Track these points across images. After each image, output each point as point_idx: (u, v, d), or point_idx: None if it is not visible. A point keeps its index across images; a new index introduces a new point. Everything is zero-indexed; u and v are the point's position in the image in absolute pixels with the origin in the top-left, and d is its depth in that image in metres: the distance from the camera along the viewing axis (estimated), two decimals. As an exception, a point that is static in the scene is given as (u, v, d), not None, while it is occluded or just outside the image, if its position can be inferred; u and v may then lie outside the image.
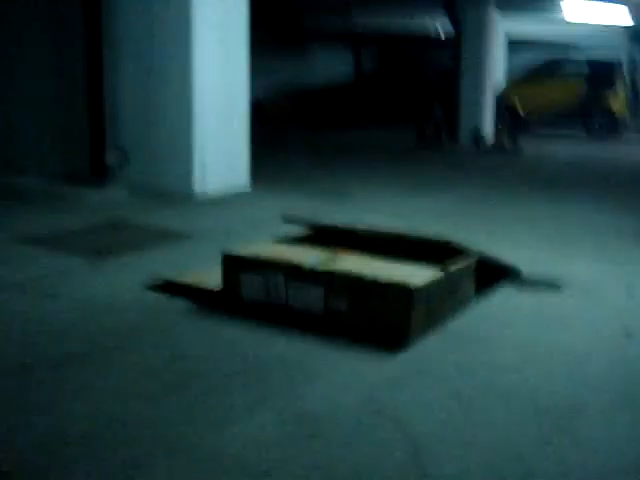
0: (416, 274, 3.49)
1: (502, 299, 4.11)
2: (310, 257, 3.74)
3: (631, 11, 15.40)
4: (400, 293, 3.34)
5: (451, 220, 6.16)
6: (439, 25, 16.46)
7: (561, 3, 15.26)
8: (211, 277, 4.01)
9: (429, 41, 17.98)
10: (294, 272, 3.60)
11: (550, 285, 4.37)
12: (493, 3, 13.28)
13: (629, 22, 16.05)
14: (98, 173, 7.48)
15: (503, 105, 15.11)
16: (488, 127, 13.37)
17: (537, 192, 8.11)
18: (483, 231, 5.71)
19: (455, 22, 13.70)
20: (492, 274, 4.27)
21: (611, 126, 14.99)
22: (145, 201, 6.80)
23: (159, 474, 2.27)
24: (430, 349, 3.35)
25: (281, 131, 14.99)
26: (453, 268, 3.67)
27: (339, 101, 17.12)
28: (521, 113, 15.40)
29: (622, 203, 7.38)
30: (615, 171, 10.20)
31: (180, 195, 6.99)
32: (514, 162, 11.04)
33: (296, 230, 4.36)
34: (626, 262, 4.99)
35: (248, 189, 7.47)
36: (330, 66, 19.76)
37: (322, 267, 3.58)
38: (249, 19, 7.53)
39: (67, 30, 7.75)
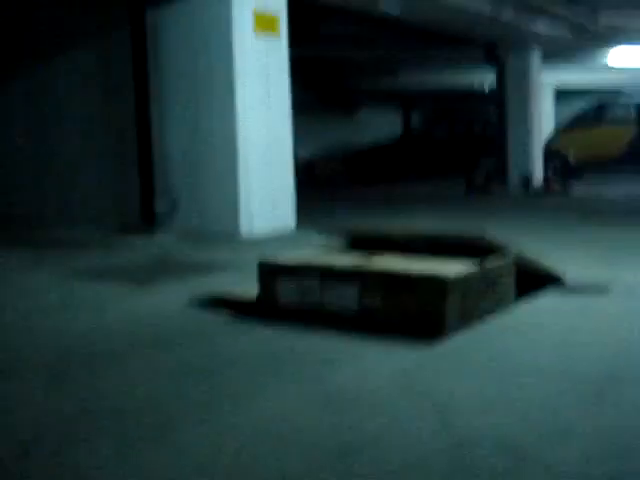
0: (450, 269, 3.47)
1: (545, 300, 4.05)
2: (344, 259, 3.76)
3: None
4: (434, 285, 3.32)
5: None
6: (484, 78, 16.60)
7: (608, 50, 15.28)
8: (250, 292, 4.06)
9: (475, 95, 18.13)
10: (328, 273, 3.62)
11: (595, 290, 4.29)
12: (536, 52, 13.37)
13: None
14: (148, 221, 7.67)
15: (552, 152, 15.07)
16: (537, 174, 13.30)
17: (585, 221, 8.02)
18: (535, 250, 5.64)
19: (499, 72, 13.81)
20: (535, 280, 4.21)
21: (663, 168, 14.76)
22: (193, 243, 6.93)
23: (183, 439, 2.27)
24: (466, 339, 3.31)
25: (331, 188, 15.16)
26: (490, 264, 3.64)
27: (388, 158, 17.26)
28: (571, 159, 15.31)
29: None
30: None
31: (228, 237, 7.11)
32: (564, 202, 10.94)
33: (332, 241, 4.40)
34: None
35: (294, 231, 7.55)
36: (378, 124, 20.03)
37: (355, 267, 3.59)
38: (290, 71, 7.75)
39: (116, 87, 8.07)
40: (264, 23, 7.47)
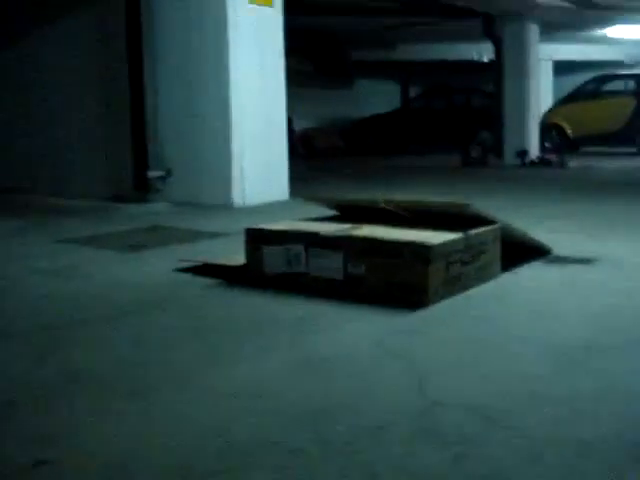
0: (435, 237, 3.48)
1: (530, 271, 4.07)
2: (330, 228, 3.77)
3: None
4: (417, 251, 3.33)
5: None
6: (483, 50, 16.51)
7: (607, 24, 15.16)
8: (238, 259, 4.07)
9: (474, 67, 18.03)
10: (314, 241, 3.63)
11: (582, 261, 4.30)
12: (534, 25, 13.26)
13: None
14: (141, 188, 7.66)
15: (550, 125, 15.03)
16: (534, 147, 13.27)
17: (578, 194, 8.03)
18: (524, 220, 5.65)
19: (496, 46, 13.73)
20: (521, 252, 4.23)
21: (662, 142, 14.67)
22: (185, 211, 6.94)
23: (161, 400, 2.30)
24: (450, 306, 3.33)
25: (329, 160, 15.14)
26: (474, 232, 3.65)
27: (386, 130, 17.21)
28: (569, 133, 15.28)
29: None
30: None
31: (220, 206, 7.12)
32: (559, 174, 10.94)
33: (322, 212, 4.41)
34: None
35: (287, 201, 7.55)
36: (376, 96, 19.94)
37: (341, 234, 3.60)
38: (286, 42, 7.71)
39: (109, 56, 8.02)
40: (258, -7, 7.41)
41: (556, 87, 18.97)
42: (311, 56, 17.35)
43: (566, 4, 12.43)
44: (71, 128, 8.34)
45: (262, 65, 7.45)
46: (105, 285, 3.89)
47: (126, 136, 7.78)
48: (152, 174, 7.59)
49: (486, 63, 16.52)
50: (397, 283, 3.38)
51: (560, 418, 2.12)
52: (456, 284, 3.52)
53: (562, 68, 19.47)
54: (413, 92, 20.78)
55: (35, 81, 8.61)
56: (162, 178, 7.60)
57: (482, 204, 4.58)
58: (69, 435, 2.04)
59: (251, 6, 7.30)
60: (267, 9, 7.48)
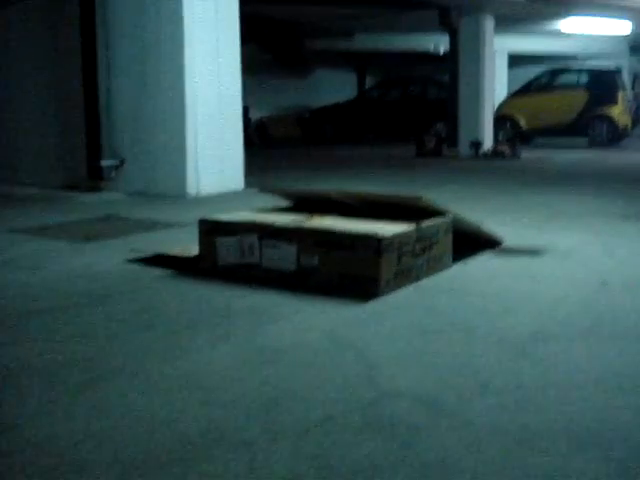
0: (387, 229, 3.52)
1: (481, 262, 4.13)
2: (283, 219, 3.78)
3: (631, 20, 15.40)
4: (369, 243, 3.37)
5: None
6: (440, 41, 16.61)
7: (562, 18, 15.34)
8: (191, 250, 4.07)
9: (430, 58, 18.13)
10: (267, 232, 3.64)
11: (532, 252, 4.38)
12: (489, 17, 13.38)
13: (627, 31, 16.06)
14: (95, 178, 7.58)
15: (503, 117, 15.20)
16: (488, 138, 13.40)
17: (530, 185, 8.14)
18: (477, 213, 5.72)
19: (452, 37, 13.82)
20: (473, 243, 4.29)
21: (612, 135, 14.94)
22: (139, 201, 6.89)
23: (111, 392, 2.30)
24: (401, 298, 3.37)
25: (284, 149, 15.13)
26: (425, 224, 3.70)
27: (343, 120, 17.24)
28: (522, 125, 15.47)
29: (614, 193, 7.37)
30: (610, 171, 10.16)
31: (174, 196, 7.08)
32: (512, 165, 11.08)
33: (276, 202, 4.43)
34: (611, 234, 5.00)
35: (242, 191, 7.54)
36: (333, 86, 19.95)
37: (294, 226, 3.62)
38: (242, 30, 7.67)
39: (63, 43, 7.91)
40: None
41: (511, 79, 19.18)
42: (270, 46, 17.28)
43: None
44: (25, 116, 8.22)
45: (217, 54, 7.41)
46: (57, 276, 3.86)
47: (80, 125, 7.69)
48: (105, 163, 7.52)
49: (442, 55, 16.62)
50: (349, 274, 3.41)
51: (505, 407, 2.17)
52: (408, 275, 3.56)
53: (517, 60, 19.69)
54: (370, 82, 20.83)
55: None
56: (116, 167, 7.53)
57: (435, 195, 4.65)
58: (19, 428, 2.03)
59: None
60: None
